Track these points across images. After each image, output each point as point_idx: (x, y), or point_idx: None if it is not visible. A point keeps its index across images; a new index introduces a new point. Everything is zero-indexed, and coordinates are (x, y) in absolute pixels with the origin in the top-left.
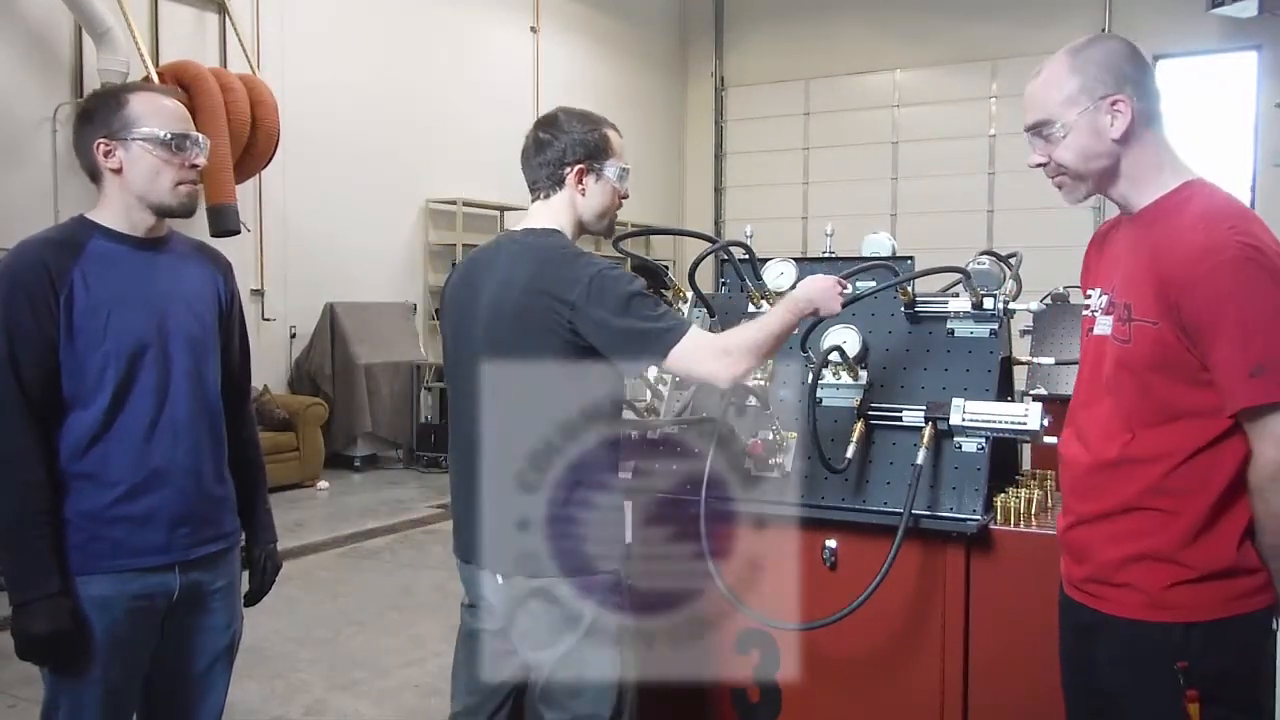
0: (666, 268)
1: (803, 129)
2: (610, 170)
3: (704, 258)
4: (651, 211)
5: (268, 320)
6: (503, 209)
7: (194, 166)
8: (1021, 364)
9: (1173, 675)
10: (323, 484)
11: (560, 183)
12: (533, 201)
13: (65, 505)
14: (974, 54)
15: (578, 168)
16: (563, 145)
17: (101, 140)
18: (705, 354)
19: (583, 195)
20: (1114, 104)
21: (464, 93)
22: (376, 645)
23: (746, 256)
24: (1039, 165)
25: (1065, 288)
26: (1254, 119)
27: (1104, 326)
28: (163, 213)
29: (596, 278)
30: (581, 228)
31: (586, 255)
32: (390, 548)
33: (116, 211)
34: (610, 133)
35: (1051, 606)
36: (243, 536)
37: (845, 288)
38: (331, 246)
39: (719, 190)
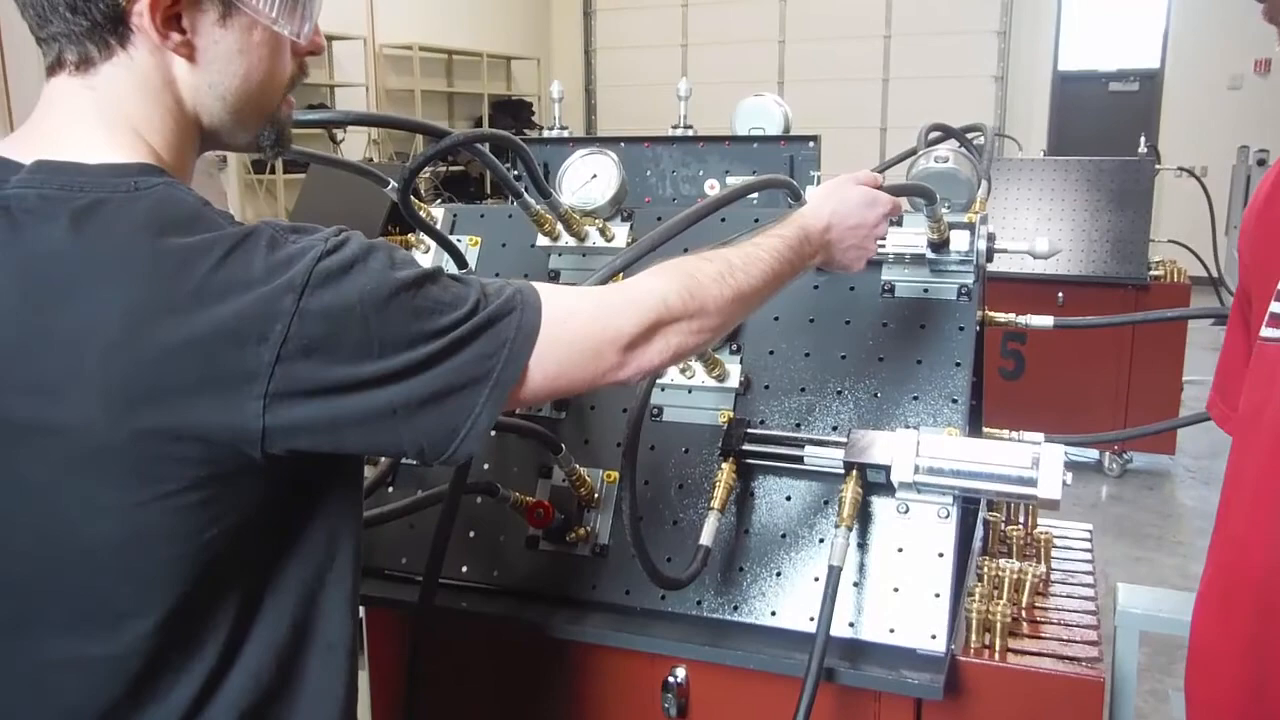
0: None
1: None
2: None
3: (422, 166)
4: (518, 81)
5: None
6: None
7: None
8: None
9: None
10: None
11: (115, 28)
12: (50, 77)
13: None
14: None
15: None
16: None
17: None
18: (601, 321)
19: (190, 60)
20: None
21: None
22: None
23: (504, 152)
24: None
25: None
26: None
27: None
28: None
29: (313, 282)
30: (199, 137)
31: (256, 236)
32: None
33: None
34: None
35: None
36: None
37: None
38: None
39: (589, 52)
